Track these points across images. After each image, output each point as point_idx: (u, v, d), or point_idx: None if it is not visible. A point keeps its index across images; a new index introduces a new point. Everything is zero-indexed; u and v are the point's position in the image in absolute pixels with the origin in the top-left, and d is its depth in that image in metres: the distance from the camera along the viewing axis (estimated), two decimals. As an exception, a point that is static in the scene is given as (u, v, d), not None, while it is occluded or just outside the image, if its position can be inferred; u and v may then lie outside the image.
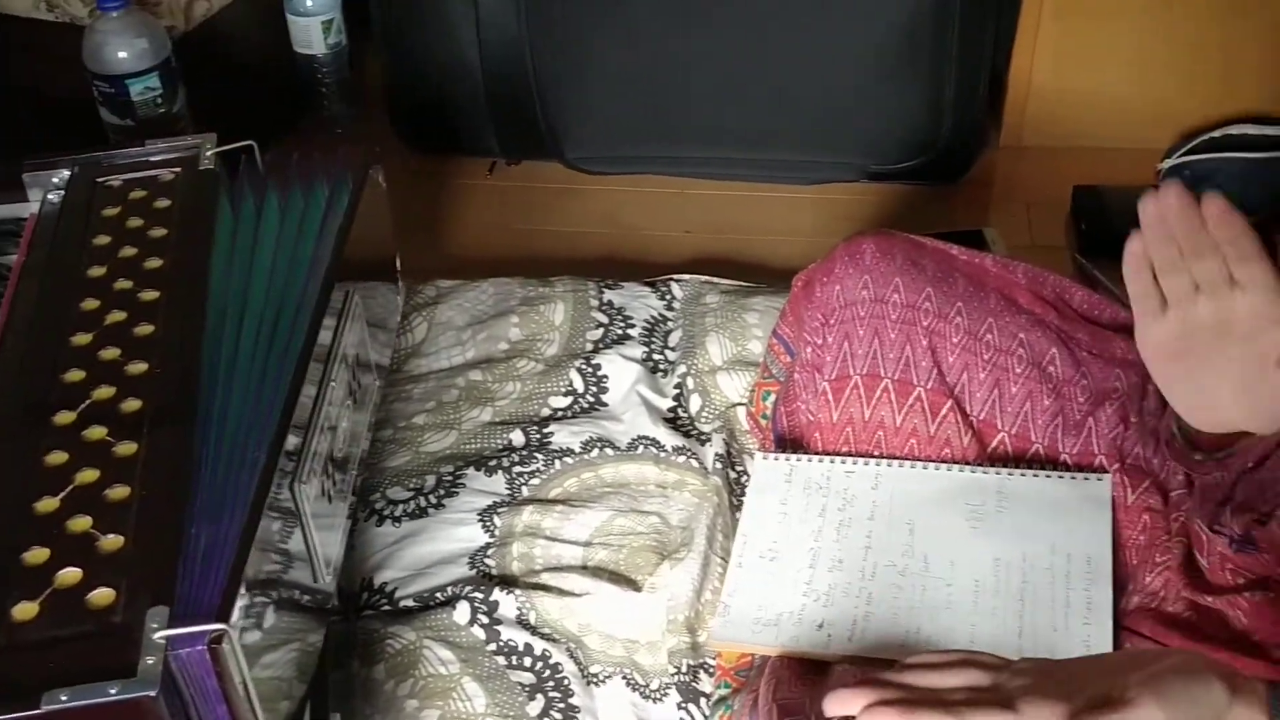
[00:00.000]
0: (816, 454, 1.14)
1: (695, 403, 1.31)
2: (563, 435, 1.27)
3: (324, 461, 1.05)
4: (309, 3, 1.79)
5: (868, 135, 1.73)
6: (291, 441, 0.97)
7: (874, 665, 0.92)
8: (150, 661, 0.78)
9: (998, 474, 1.09)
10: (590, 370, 1.33)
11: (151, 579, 0.83)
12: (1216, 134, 1.68)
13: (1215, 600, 0.89)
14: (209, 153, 1.25)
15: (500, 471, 1.24)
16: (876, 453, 1.13)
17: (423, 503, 1.22)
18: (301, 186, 1.22)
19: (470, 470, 1.24)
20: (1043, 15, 1.71)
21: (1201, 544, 0.92)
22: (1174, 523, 1.00)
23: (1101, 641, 0.92)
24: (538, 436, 1.27)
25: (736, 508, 1.16)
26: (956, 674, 0.71)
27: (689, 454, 1.24)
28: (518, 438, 1.27)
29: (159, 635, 0.79)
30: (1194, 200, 0.64)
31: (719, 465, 1.22)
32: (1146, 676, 0.65)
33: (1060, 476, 1.08)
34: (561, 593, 1.12)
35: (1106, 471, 1.08)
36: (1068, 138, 1.81)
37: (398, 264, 1.39)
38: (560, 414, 1.30)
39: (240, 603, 0.83)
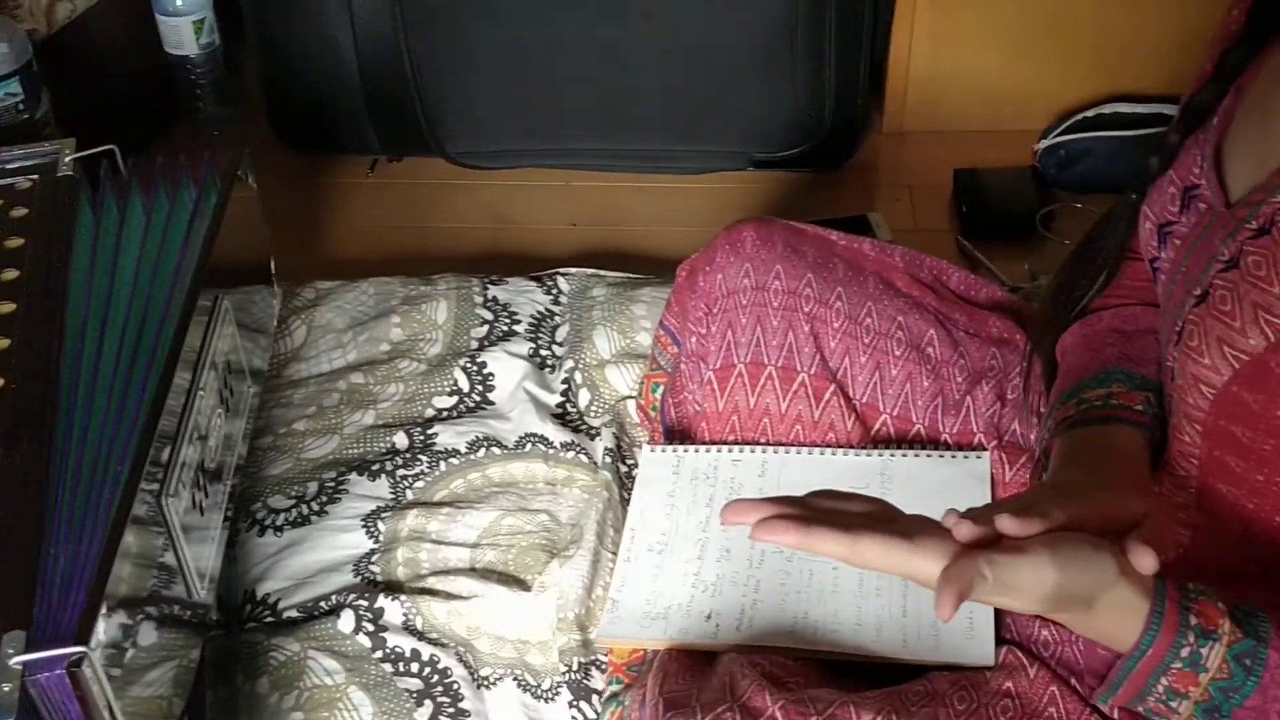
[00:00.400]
0: (704, 444, 1.13)
1: (584, 397, 1.30)
2: (448, 436, 1.25)
3: (195, 472, 1.02)
4: (179, 2, 1.74)
5: (751, 124, 1.73)
6: (158, 453, 0.94)
7: (762, 654, 0.92)
8: (7, 689, 0.76)
9: (881, 456, 1.09)
10: (475, 368, 1.31)
11: (7, 603, 0.80)
12: (1090, 113, 1.71)
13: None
14: (68, 159, 1.21)
15: (384, 475, 1.21)
16: (763, 440, 1.13)
17: (305, 510, 1.20)
18: (167, 191, 1.18)
19: (353, 475, 1.22)
20: (918, 1, 1.73)
21: (1075, 517, 0.94)
22: (1051, 496, 1.01)
23: (983, 616, 0.93)
24: (422, 438, 1.25)
25: (627, 502, 1.15)
26: (858, 504, 0.73)
27: (578, 449, 1.23)
28: (401, 440, 1.25)
29: (15, 661, 0.77)
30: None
31: (609, 460, 1.21)
32: (1045, 535, 0.67)
33: (941, 456, 1.09)
34: (449, 596, 1.11)
35: (985, 449, 1.09)
36: (948, 121, 1.83)
37: (272, 267, 1.36)
38: (445, 414, 1.28)
39: (103, 623, 0.80)
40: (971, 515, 0.69)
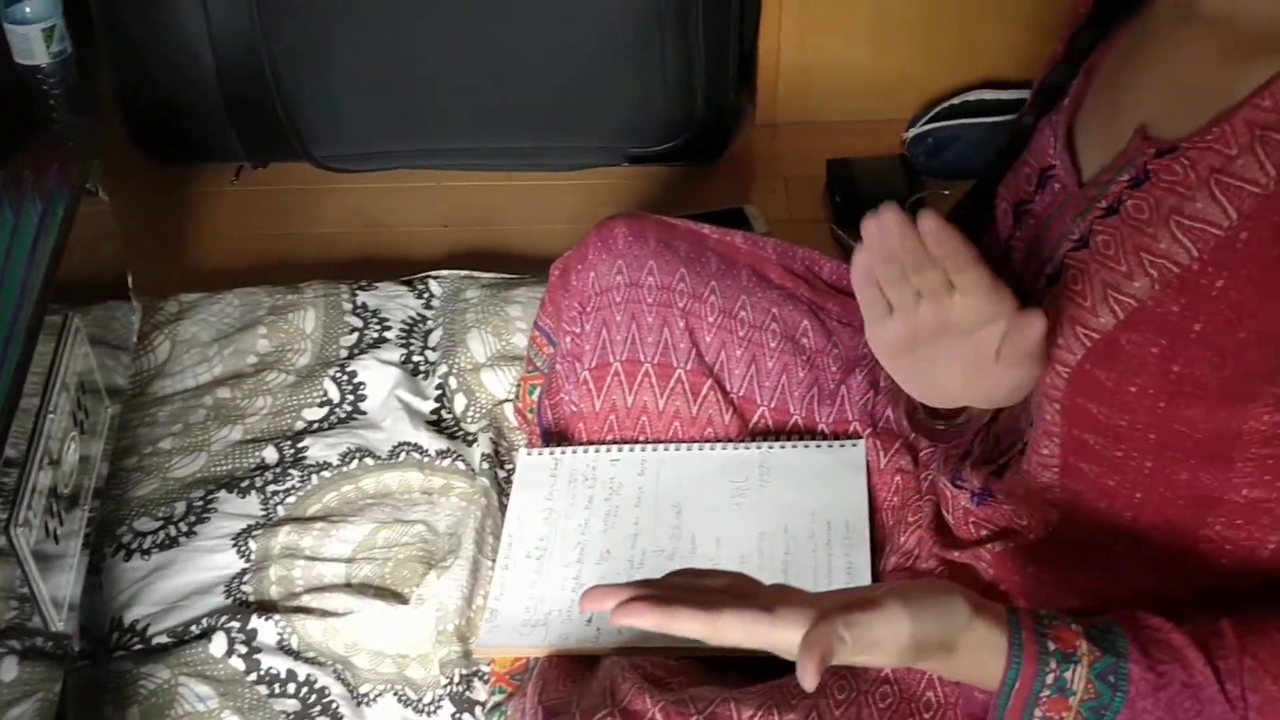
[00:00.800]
0: (582, 445, 1.12)
1: (460, 403, 1.27)
2: (319, 448, 1.21)
3: (47, 498, 0.98)
4: (27, 10, 1.67)
5: (623, 119, 1.72)
6: (5, 480, 0.90)
7: (644, 656, 0.91)
8: None
9: (759, 448, 1.09)
10: (346, 378, 1.28)
11: None
12: (956, 101, 1.74)
13: (962, 555, 0.92)
14: (-101, 174, 1.15)
15: (254, 492, 1.18)
16: (641, 438, 1.12)
17: (173, 532, 1.16)
18: (11, 206, 1.13)
19: (222, 493, 1.18)
20: (784, -6, 1.73)
21: (946, 500, 0.95)
22: (924, 481, 1.02)
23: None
24: (292, 452, 1.21)
25: (506, 507, 1.13)
26: (717, 579, 0.73)
27: (454, 456, 1.21)
28: (271, 455, 1.21)
29: None
30: (910, 220, 0.66)
31: (486, 466, 1.19)
32: (894, 587, 0.68)
33: (818, 445, 1.09)
34: (325, 613, 1.08)
35: (860, 437, 1.09)
36: (819, 112, 1.84)
37: (130, 281, 1.31)
38: (316, 426, 1.25)
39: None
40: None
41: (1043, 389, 0.79)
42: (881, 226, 0.69)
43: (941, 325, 0.71)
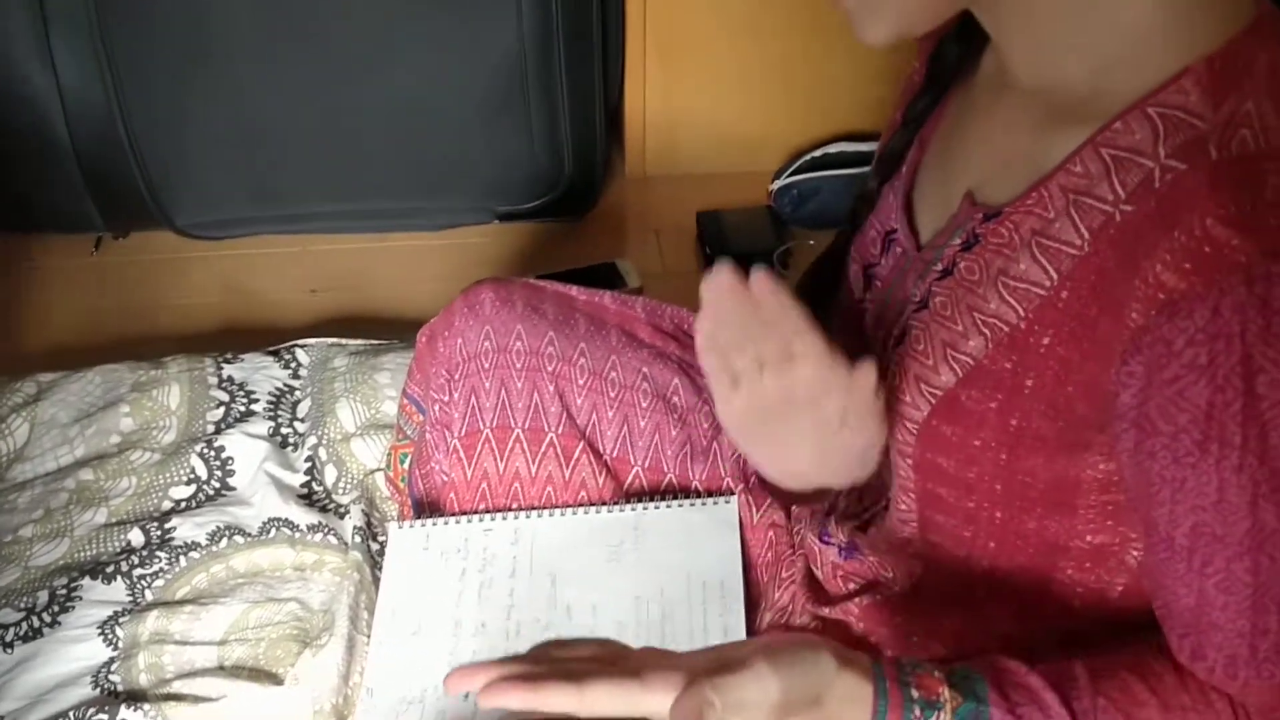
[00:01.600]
0: (453, 515, 1.11)
1: (330, 474, 1.26)
2: (187, 528, 1.19)
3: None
4: None
5: (491, 178, 1.73)
6: None
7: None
8: None
9: (634, 510, 1.10)
10: (213, 454, 1.26)
11: None
12: (817, 154, 1.78)
13: (833, 611, 0.93)
14: None
15: (120, 577, 1.15)
16: (515, 505, 1.11)
17: (35, 623, 1.12)
18: None
19: (86, 580, 1.15)
20: (647, 51, 1.76)
21: (815, 555, 0.96)
22: (796, 536, 1.04)
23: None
24: (159, 533, 1.18)
25: (380, 581, 1.11)
26: (584, 648, 0.73)
27: (326, 530, 1.19)
28: (137, 537, 1.18)
29: None
30: (743, 280, 0.68)
31: (359, 539, 1.17)
32: (761, 645, 0.69)
33: (692, 504, 1.10)
34: (197, 699, 1.05)
35: (733, 493, 1.11)
36: (688, 165, 1.88)
37: (-20, 362, 1.27)
38: (183, 505, 1.22)
39: None
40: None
41: (896, 446, 0.81)
42: (717, 289, 0.70)
43: (787, 396, 0.73)
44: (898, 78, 0.93)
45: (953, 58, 0.84)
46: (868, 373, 0.72)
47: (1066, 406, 0.70)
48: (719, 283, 0.70)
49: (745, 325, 0.71)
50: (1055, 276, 0.69)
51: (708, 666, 0.68)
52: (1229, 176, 0.61)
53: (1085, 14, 0.68)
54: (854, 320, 0.92)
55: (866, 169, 1.73)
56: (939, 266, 0.78)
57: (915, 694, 0.70)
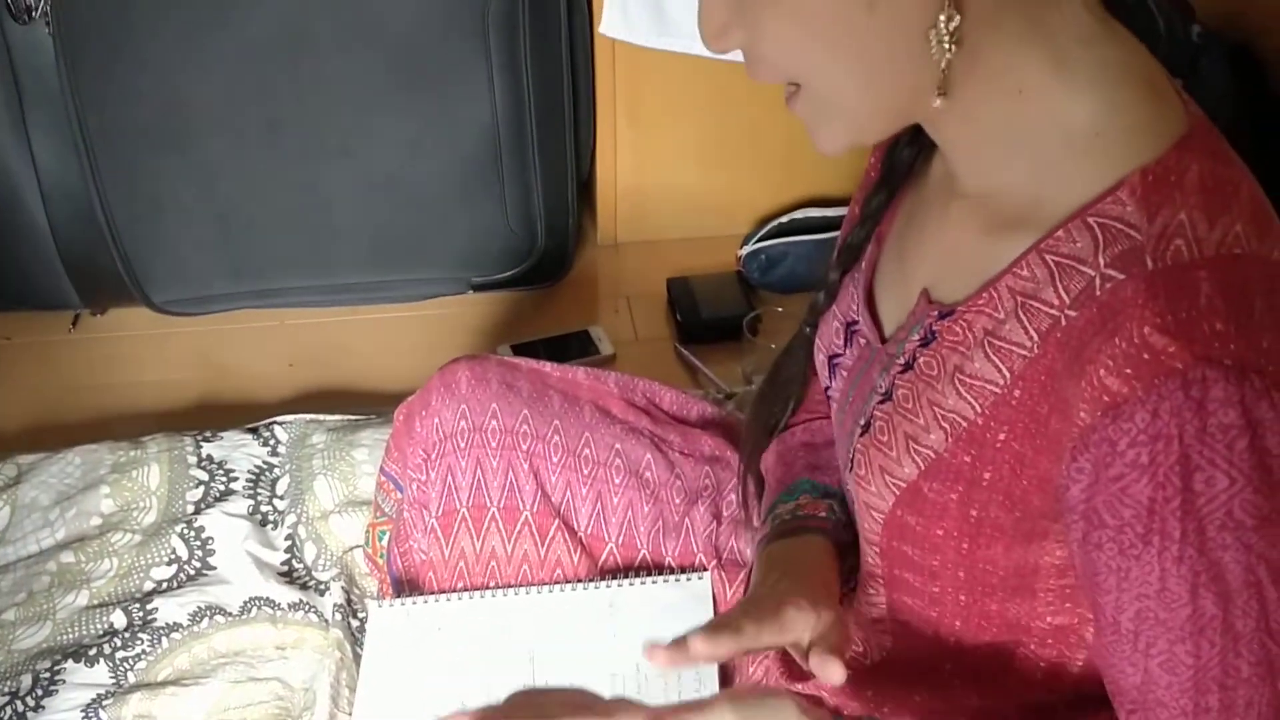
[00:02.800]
0: (432, 594, 1.13)
1: (310, 552, 1.27)
2: (168, 609, 1.20)
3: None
4: None
5: (465, 249, 1.75)
6: None
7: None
8: None
9: (609, 586, 1.12)
10: (193, 534, 1.27)
11: None
12: (785, 219, 1.82)
13: (806, 686, 0.95)
14: None
15: (102, 660, 1.16)
16: (492, 584, 1.13)
17: (19, 707, 1.13)
18: None
19: (69, 663, 1.16)
20: (618, 122, 1.80)
21: (789, 630, 0.99)
22: (768, 612, 1.06)
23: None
24: (141, 614, 1.20)
25: (361, 658, 1.13)
26: (556, 695, 0.76)
27: (307, 608, 1.21)
28: (119, 619, 1.20)
29: None
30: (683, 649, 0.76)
31: (339, 616, 1.19)
32: (727, 692, 0.73)
33: (665, 580, 1.12)
34: (180, 783, 1.06)
35: (706, 569, 1.13)
36: (658, 231, 1.91)
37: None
38: (164, 586, 1.24)
39: None
40: (670, 645, 0.74)
41: (863, 534, 0.84)
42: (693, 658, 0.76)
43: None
44: (865, 147, 0.96)
45: (905, 159, 0.87)
46: (833, 673, 0.77)
47: (1022, 498, 0.73)
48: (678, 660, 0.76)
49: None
50: (1008, 375, 0.72)
51: (673, 710, 0.71)
52: (1164, 286, 0.64)
53: (1023, 129, 0.71)
54: (824, 407, 0.95)
55: (832, 234, 1.79)
56: (901, 360, 0.81)
57: None
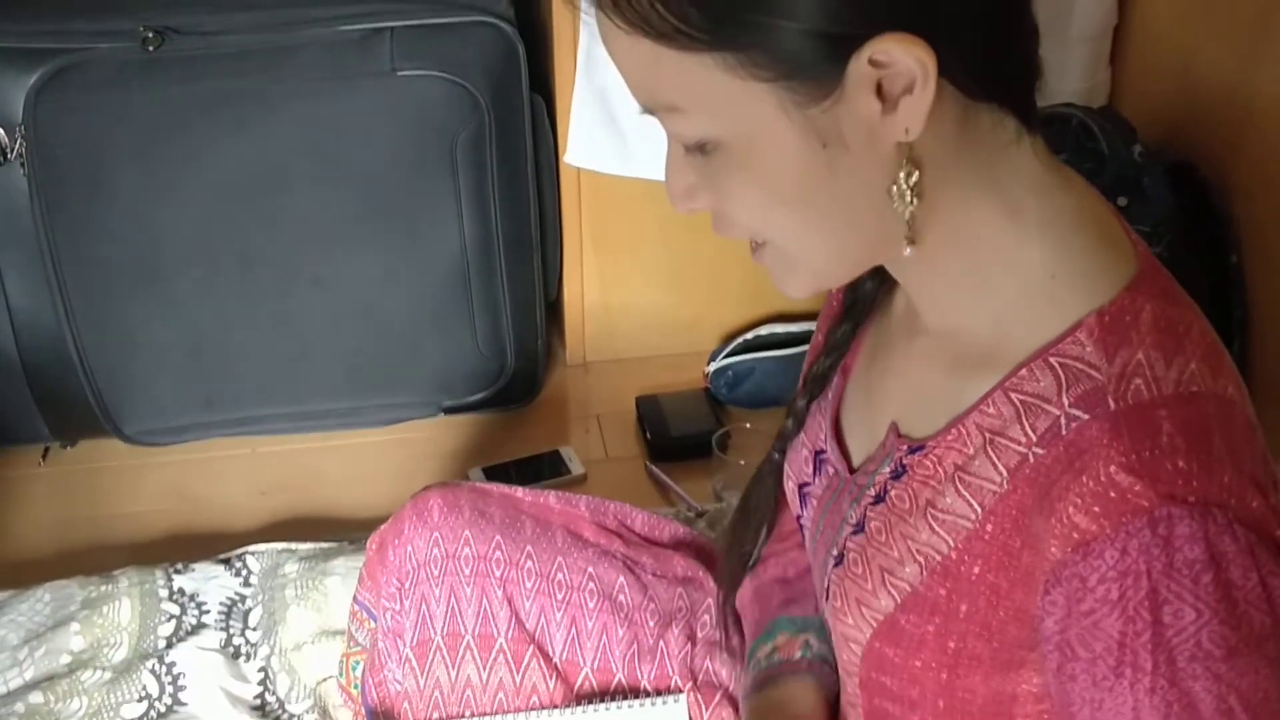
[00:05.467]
0: (407, 725, 1.12)
1: (283, 684, 1.26)
2: (139, 750, 1.19)
3: None
4: None
5: (436, 375, 1.77)
6: None
7: None
8: None
9: (584, 712, 1.11)
10: (164, 669, 1.26)
11: None
12: (750, 336, 1.85)
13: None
14: None
15: (70, 804, 1.14)
16: (467, 713, 1.13)
17: None
18: None
19: (36, 809, 1.14)
20: (584, 247, 1.84)
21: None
22: (746, 732, 1.06)
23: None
24: (110, 756, 1.18)
25: (335, 794, 1.12)
26: None
27: (279, 743, 1.20)
28: (88, 761, 1.18)
29: None
30: None
31: (312, 750, 1.17)
32: None
33: (640, 704, 1.12)
34: None
35: (681, 692, 1.13)
36: (627, 350, 1.94)
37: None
38: (134, 725, 1.22)
39: None
40: None
41: (842, 665, 0.85)
42: None
43: None
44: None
45: (868, 293, 0.90)
46: None
47: (999, 629, 0.74)
48: None
49: None
50: (979, 510, 0.73)
51: None
52: (1128, 426, 0.66)
53: (982, 272, 0.74)
54: (797, 536, 0.96)
55: (799, 350, 1.81)
56: (871, 492, 0.82)
57: None
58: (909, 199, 0.70)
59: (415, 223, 1.66)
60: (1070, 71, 1.72)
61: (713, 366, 1.84)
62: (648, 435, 1.77)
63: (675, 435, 1.76)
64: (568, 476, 1.70)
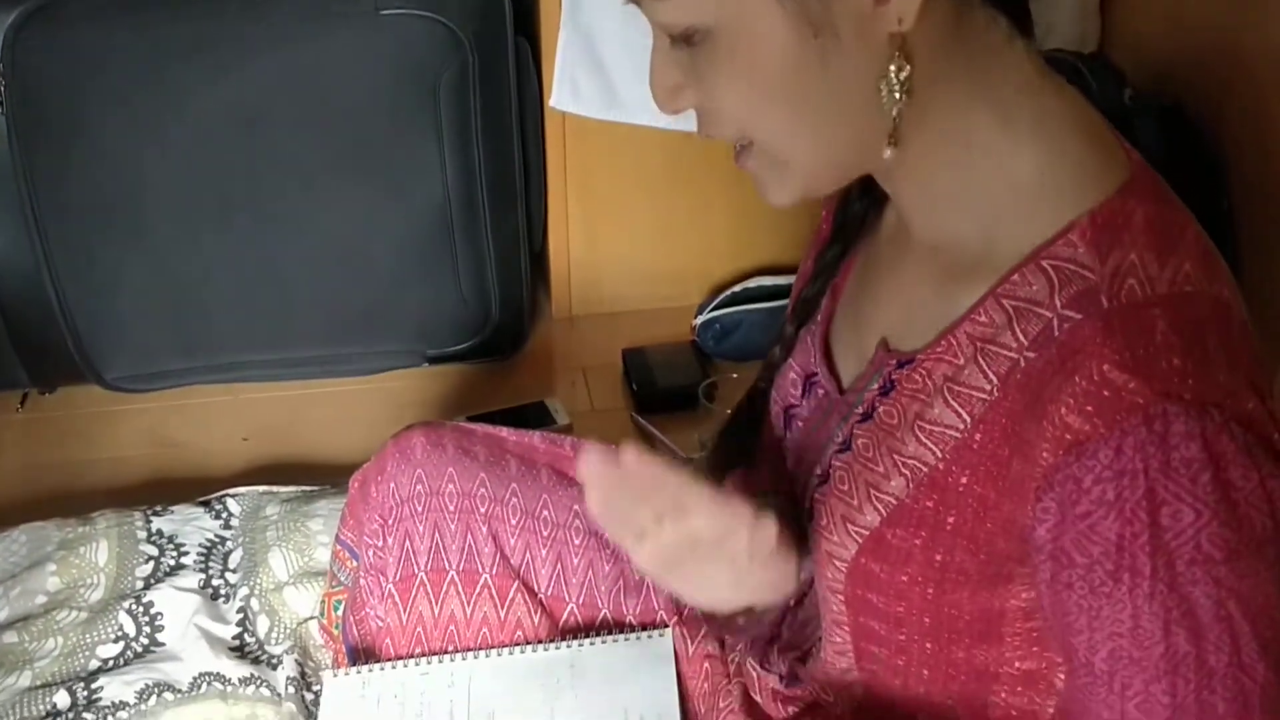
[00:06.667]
0: (389, 661, 1.11)
1: (263, 624, 1.25)
2: (114, 687, 1.17)
3: None
4: None
5: (420, 323, 1.75)
6: None
7: None
8: None
9: (569, 647, 1.11)
10: (141, 609, 1.24)
11: None
12: (737, 289, 1.84)
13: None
14: None
15: (45, 741, 1.12)
16: (451, 649, 1.12)
17: (-43, 793, 1.09)
18: None
19: (10, 746, 1.12)
20: (569, 196, 1.82)
21: (754, 682, 0.98)
22: (731, 665, 1.05)
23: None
24: (85, 694, 1.16)
25: (316, 730, 1.10)
26: None
27: (259, 683, 1.18)
28: (62, 699, 1.16)
29: None
30: (615, 458, 0.75)
31: (292, 690, 1.16)
32: None
33: (626, 639, 1.11)
34: None
35: (667, 626, 1.12)
36: (613, 303, 1.92)
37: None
38: (110, 664, 1.20)
39: None
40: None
41: (827, 584, 0.84)
42: (593, 471, 0.76)
43: (690, 541, 0.77)
44: (813, 213, 0.97)
45: (857, 213, 0.89)
46: (767, 523, 0.77)
47: (987, 542, 0.73)
48: (592, 465, 0.75)
49: (631, 491, 0.75)
50: (968, 420, 0.73)
51: None
52: (1122, 324, 0.65)
53: (972, 177, 0.73)
54: (778, 459, 0.95)
55: (785, 301, 1.80)
56: (860, 410, 0.81)
57: None
58: (899, 95, 0.69)
59: (397, 167, 1.64)
60: (1061, 17, 1.70)
61: (700, 319, 1.82)
62: (634, 387, 1.76)
63: (661, 386, 1.74)
64: (553, 427, 1.68)
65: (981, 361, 0.72)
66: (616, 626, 1.14)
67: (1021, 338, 0.70)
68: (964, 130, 0.72)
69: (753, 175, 0.76)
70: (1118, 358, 0.64)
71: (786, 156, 0.74)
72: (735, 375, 1.69)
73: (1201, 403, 0.64)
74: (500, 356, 1.82)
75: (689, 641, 1.10)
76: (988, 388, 0.71)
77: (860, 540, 0.78)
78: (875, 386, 0.80)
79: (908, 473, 0.76)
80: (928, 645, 0.80)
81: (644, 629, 1.13)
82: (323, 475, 1.48)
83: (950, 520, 0.74)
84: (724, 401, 1.68)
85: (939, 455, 0.74)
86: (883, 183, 0.79)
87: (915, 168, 0.74)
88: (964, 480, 0.73)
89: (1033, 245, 0.71)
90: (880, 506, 0.77)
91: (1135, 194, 0.71)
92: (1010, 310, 0.71)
